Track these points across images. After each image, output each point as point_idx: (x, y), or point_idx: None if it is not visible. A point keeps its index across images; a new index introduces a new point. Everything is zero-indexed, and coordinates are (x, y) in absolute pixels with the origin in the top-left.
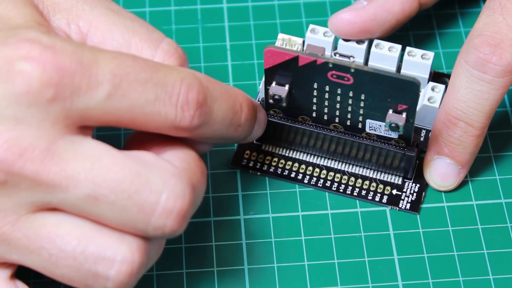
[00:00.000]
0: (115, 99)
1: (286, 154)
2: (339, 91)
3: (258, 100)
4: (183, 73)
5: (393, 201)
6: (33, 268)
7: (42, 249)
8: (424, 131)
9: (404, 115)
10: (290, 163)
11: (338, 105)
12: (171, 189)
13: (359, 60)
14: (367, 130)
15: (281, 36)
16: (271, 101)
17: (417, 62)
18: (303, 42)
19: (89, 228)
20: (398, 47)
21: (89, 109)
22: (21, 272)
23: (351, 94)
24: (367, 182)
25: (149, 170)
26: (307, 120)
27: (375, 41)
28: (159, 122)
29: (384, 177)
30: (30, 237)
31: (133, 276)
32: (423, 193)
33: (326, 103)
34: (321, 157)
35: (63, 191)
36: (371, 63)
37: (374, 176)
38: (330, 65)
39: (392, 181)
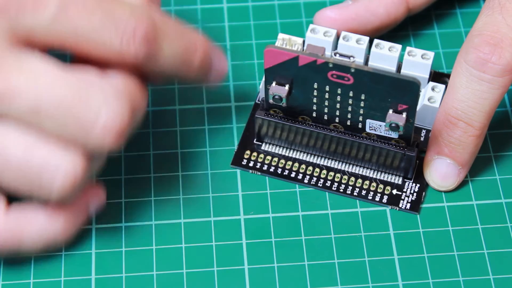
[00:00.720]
0: (60, 22)
1: (286, 154)
2: (339, 91)
3: (258, 100)
4: (135, 8)
5: (393, 201)
6: None
7: None
8: (424, 131)
9: (404, 115)
10: (290, 163)
11: (338, 105)
12: (111, 107)
13: (359, 60)
14: (367, 130)
15: (281, 36)
16: (271, 101)
17: (417, 62)
18: (303, 42)
19: (35, 139)
20: (398, 47)
21: (34, 29)
22: (20, 272)
23: (351, 94)
24: (367, 182)
25: (91, 88)
26: (307, 120)
27: (375, 41)
28: (103, 51)
29: (384, 177)
30: None
31: (75, 187)
32: (423, 193)
33: (326, 103)
34: (321, 157)
35: (6, 103)
36: (371, 63)
37: (374, 176)
38: (330, 65)
39: (392, 181)
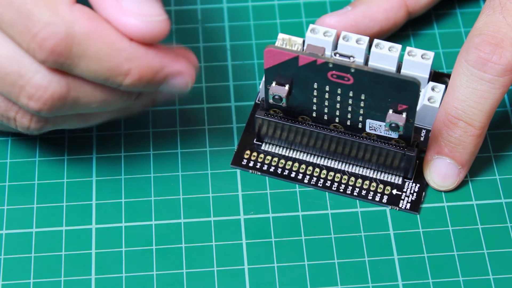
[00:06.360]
0: None
1: (286, 154)
2: (339, 91)
3: (258, 100)
4: (55, 19)
5: (393, 201)
6: None
7: None
8: (424, 131)
9: (404, 115)
10: (290, 163)
11: (338, 105)
12: (41, 79)
13: (359, 60)
14: (367, 130)
15: (281, 36)
16: (271, 101)
17: (417, 62)
18: (303, 42)
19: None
20: (398, 47)
21: None
22: (21, 272)
23: (351, 94)
24: (367, 182)
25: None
26: (307, 120)
27: (375, 41)
28: (17, 42)
29: (384, 177)
30: None
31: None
32: (423, 193)
33: (326, 103)
34: (321, 157)
35: None
36: (371, 63)
37: (374, 176)
38: (330, 65)
39: (392, 181)
